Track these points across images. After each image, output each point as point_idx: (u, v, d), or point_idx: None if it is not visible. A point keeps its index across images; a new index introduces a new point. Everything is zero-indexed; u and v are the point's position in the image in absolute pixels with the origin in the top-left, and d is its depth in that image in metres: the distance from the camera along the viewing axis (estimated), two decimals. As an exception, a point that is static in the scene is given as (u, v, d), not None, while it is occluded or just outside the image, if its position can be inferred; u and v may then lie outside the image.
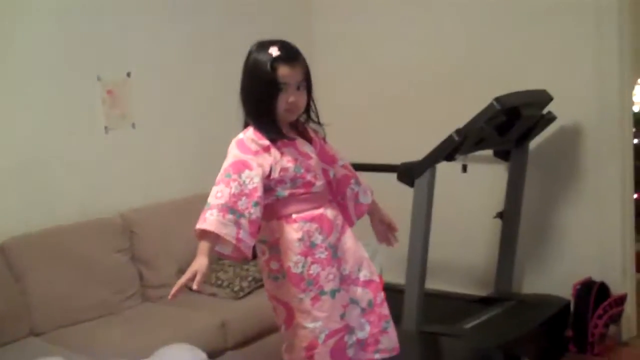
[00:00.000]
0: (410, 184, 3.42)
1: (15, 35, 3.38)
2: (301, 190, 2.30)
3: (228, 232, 2.12)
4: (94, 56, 3.66)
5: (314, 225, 2.30)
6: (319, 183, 2.34)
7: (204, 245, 2.16)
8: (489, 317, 3.60)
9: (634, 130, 3.98)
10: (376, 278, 2.42)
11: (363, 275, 2.39)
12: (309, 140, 2.38)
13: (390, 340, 2.42)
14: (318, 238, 2.30)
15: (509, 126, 3.48)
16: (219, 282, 3.58)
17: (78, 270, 3.32)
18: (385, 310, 2.42)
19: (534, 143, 3.88)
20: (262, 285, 2.59)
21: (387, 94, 4.45)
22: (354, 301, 2.37)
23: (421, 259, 3.41)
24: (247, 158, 2.21)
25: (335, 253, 2.34)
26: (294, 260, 2.27)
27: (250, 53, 2.27)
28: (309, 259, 2.27)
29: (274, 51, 2.21)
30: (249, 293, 3.51)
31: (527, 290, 4.06)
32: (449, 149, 3.33)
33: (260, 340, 3.31)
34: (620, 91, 3.68)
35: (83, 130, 3.64)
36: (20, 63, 3.41)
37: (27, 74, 3.42)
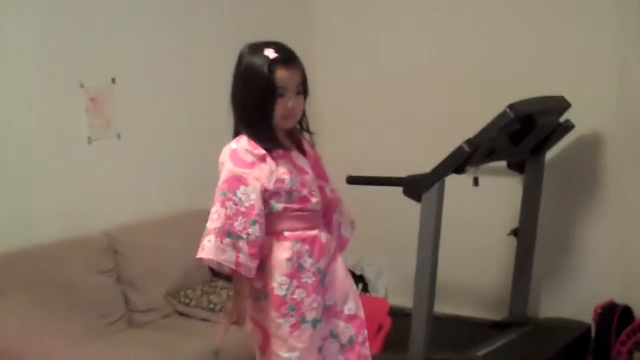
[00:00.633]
0: (417, 198, 3.41)
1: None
2: (296, 206, 2.32)
3: (226, 257, 2.19)
4: (76, 60, 3.62)
5: (305, 247, 2.32)
6: (315, 200, 2.36)
7: (240, 288, 2.28)
8: (503, 343, 3.61)
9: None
10: (361, 314, 2.43)
11: (348, 308, 2.41)
12: (304, 152, 2.39)
13: None
14: (307, 261, 2.31)
15: (524, 135, 3.49)
16: (211, 305, 3.59)
17: (58, 293, 3.30)
18: (366, 350, 2.43)
19: (550, 153, 3.89)
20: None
21: (391, 99, 4.45)
22: (334, 335, 2.39)
23: (429, 280, 3.40)
24: (242, 172, 2.24)
25: (323, 280, 2.36)
26: (278, 281, 2.29)
27: (241, 56, 2.28)
28: (294, 282, 2.29)
29: (271, 53, 2.22)
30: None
31: (544, 314, 4.07)
32: (459, 161, 3.33)
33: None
34: (643, 98, 3.71)
35: (64, 141, 3.61)
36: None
37: (2, 79, 3.38)
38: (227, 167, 2.26)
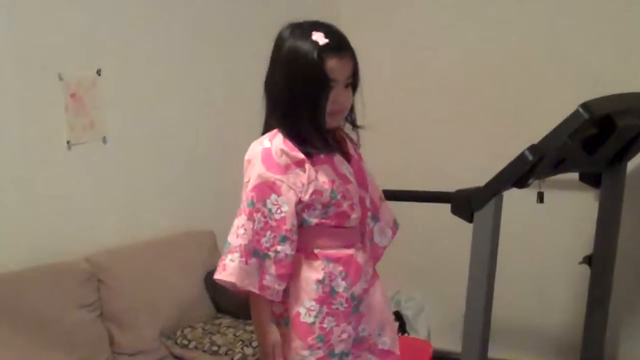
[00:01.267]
0: (469, 218, 3.40)
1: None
2: (332, 222, 2.31)
3: (251, 281, 2.22)
4: (54, 48, 3.58)
5: (339, 268, 2.31)
6: (355, 216, 2.35)
7: (262, 313, 2.27)
8: (573, 398, 3.65)
9: None
10: (397, 350, 2.45)
11: (382, 342, 2.42)
12: (347, 156, 2.38)
13: None
14: (340, 285, 2.31)
15: (601, 141, 3.39)
16: (215, 348, 3.56)
17: (29, 331, 3.27)
18: None
19: (632, 163, 3.82)
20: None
21: (436, 98, 4.47)
22: None
23: (483, 319, 3.39)
24: (275, 178, 2.23)
25: (358, 307, 2.35)
26: (306, 307, 2.28)
27: (282, 39, 2.26)
28: (325, 309, 2.28)
29: (320, 38, 2.19)
30: (254, 363, 3.50)
31: (624, 360, 3.97)
32: (521, 172, 3.26)
33: None
34: None
35: (39, 146, 3.57)
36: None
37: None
38: (257, 170, 2.24)
